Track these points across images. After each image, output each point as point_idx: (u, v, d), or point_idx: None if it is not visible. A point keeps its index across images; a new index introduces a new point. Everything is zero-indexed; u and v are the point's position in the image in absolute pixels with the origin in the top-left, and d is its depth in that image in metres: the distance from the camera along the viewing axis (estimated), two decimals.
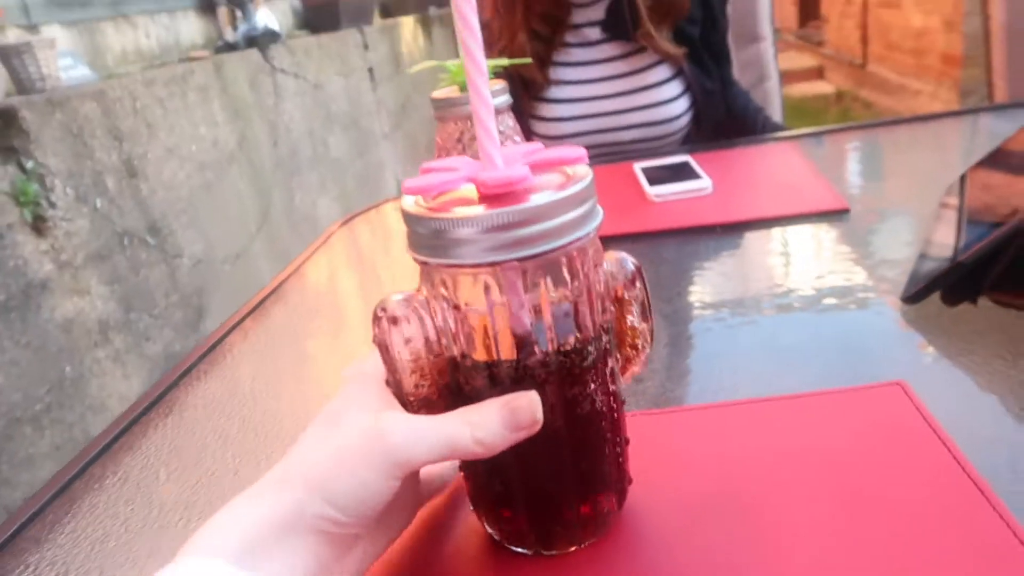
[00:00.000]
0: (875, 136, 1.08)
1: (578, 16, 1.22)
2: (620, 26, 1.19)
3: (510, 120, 0.74)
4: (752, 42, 1.53)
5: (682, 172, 0.90)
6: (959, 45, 3.85)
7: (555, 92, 1.22)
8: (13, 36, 2.15)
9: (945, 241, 0.58)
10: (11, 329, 1.65)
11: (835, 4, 5.89)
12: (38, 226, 1.77)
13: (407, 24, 4.90)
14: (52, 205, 1.82)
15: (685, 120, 1.22)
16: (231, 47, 3.04)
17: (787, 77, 5.59)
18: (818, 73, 6.33)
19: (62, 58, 2.25)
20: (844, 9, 5.66)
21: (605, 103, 1.21)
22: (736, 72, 1.53)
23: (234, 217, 2.63)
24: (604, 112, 1.21)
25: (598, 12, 1.21)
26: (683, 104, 1.21)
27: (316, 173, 3.33)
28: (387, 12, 5.11)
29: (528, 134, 1.24)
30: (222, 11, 3.19)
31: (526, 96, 1.23)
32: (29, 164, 1.77)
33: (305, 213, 3.20)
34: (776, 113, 1.55)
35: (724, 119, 1.29)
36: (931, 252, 0.59)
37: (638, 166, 0.96)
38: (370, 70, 4.11)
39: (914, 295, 0.54)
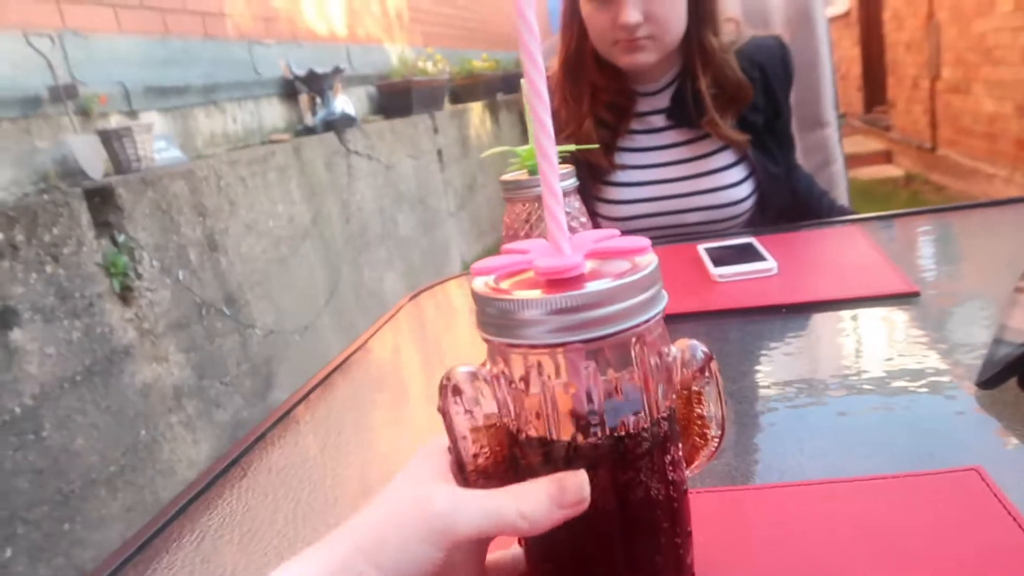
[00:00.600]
0: (945, 220, 1.07)
1: (643, 104, 1.26)
2: (685, 114, 1.22)
3: (576, 202, 0.76)
4: (817, 127, 1.54)
5: (746, 253, 0.91)
6: None
7: (620, 176, 1.25)
8: (115, 121, 2.33)
9: (1021, 326, 0.57)
10: (94, 393, 1.73)
11: (902, 89, 5.88)
12: (125, 295, 1.87)
13: (475, 109, 5.09)
14: (139, 276, 1.92)
15: (749, 204, 1.23)
16: (310, 131, 3.21)
17: (854, 161, 5.56)
18: (886, 157, 6.27)
19: (157, 141, 2.42)
20: (911, 94, 5.64)
21: (669, 187, 1.24)
22: (800, 156, 1.55)
23: (305, 290, 2.72)
24: (669, 195, 1.24)
25: (663, 100, 1.25)
26: (747, 188, 1.22)
27: (384, 249, 3.44)
28: (457, 98, 5.33)
29: (594, 216, 1.27)
30: (303, 98, 3.38)
31: (592, 179, 1.26)
32: (121, 238, 1.88)
33: (372, 288, 3.28)
34: (842, 196, 1.55)
35: (789, 203, 1.30)
36: (1007, 337, 0.57)
37: (702, 247, 0.97)
38: (439, 152, 4.26)
39: (989, 380, 0.53)
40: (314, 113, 3.32)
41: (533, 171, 0.77)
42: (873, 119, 6.65)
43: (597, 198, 1.27)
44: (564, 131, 1.27)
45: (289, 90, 3.34)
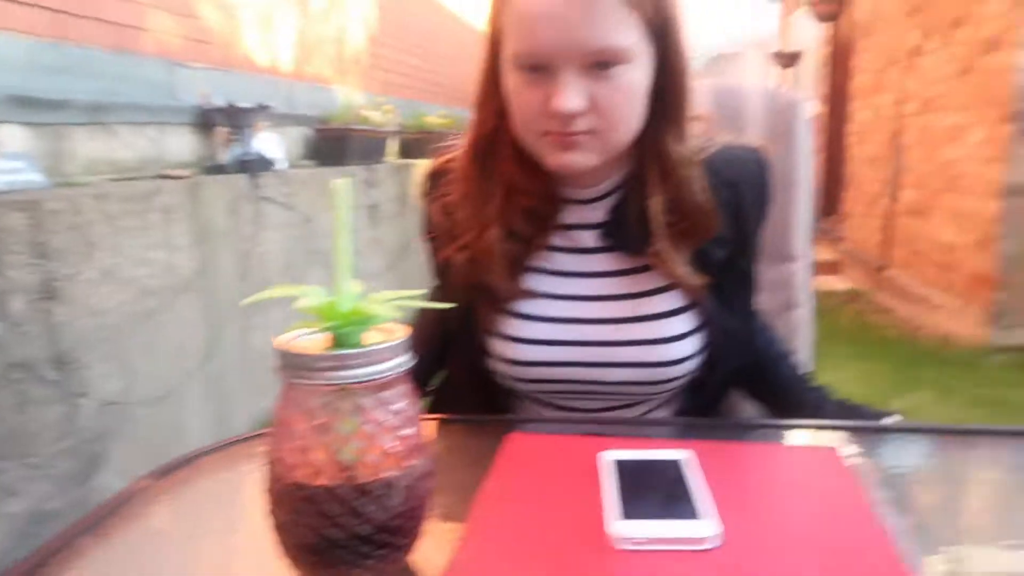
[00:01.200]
0: (956, 445, 0.76)
1: (571, 215, 0.93)
2: (625, 235, 0.89)
3: (403, 401, 0.53)
4: (782, 261, 1.24)
5: (675, 496, 0.57)
6: (991, 266, 3.63)
7: (527, 307, 0.90)
8: None
9: None
10: None
11: (859, 203, 5.80)
12: None
13: (420, 167, 4.79)
14: None
15: (692, 364, 0.90)
16: (220, 169, 2.84)
17: None
18: (834, 268, 6.16)
19: (10, 160, 2.02)
20: (867, 210, 5.55)
21: (591, 329, 0.89)
22: (759, 295, 1.25)
23: (170, 353, 2.31)
24: (588, 340, 0.89)
25: (598, 213, 0.91)
26: (693, 345, 0.89)
27: (282, 310, 3.04)
28: (406, 152, 5.02)
29: (485, 356, 0.93)
30: (220, 131, 3.02)
31: (488, 307, 0.91)
32: None
33: (263, 352, 2.87)
34: (805, 350, 1.24)
35: (745, 365, 0.98)
36: None
37: (608, 458, 0.63)
38: (371, 207, 3.92)
39: None
40: (228, 150, 2.95)
41: (341, 340, 0.52)
42: (825, 228, 6.57)
43: (493, 333, 0.91)
44: (460, 238, 0.92)
45: (205, 121, 2.97)
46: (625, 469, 0.61)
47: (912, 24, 4.75)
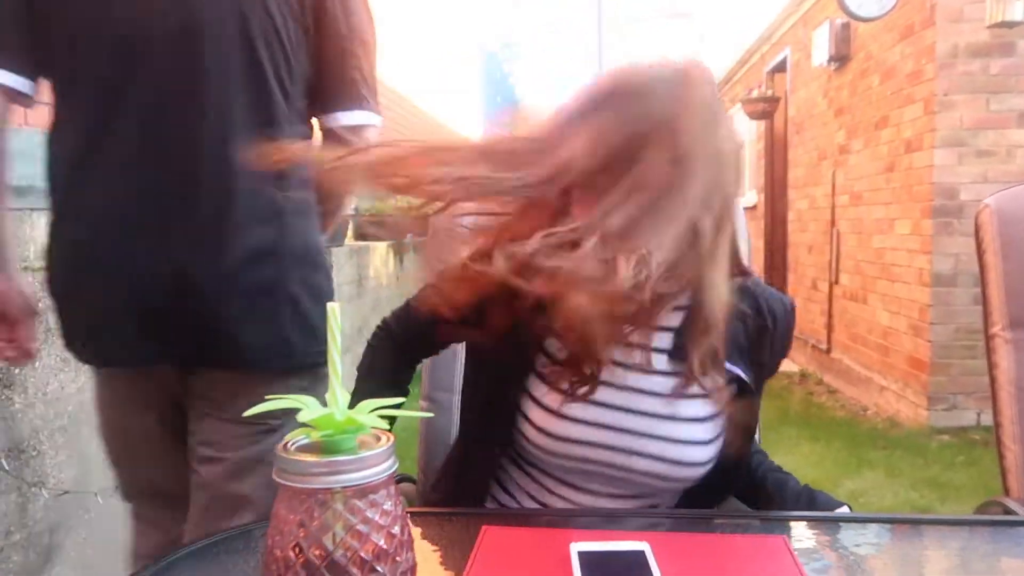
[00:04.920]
0: (903, 534, 0.83)
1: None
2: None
3: (389, 502, 0.58)
4: None
5: None
6: (925, 351, 3.81)
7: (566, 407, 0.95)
8: None
9: None
10: None
11: (801, 287, 6.05)
12: None
13: (378, 249, 4.87)
14: None
15: (702, 471, 0.95)
16: None
17: None
18: None
19: None
20: (810, 294, 5.79)
21: (627, 418, 0.93)
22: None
23: None
24: (622, 428, 0.93)
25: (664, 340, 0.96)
26: (714, 450, 0.94)
27: None
28: (362, 235, 5.10)
29: (512, 416, 0.95)
30: None
31: (519, 388, 0.95)
32: None
33: None
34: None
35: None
36: None
37: (575, 548, 0.69)
38: None
39: None
40: None
41: (333, 447, 0.56)
42: None
43: (538, 403, 0.94)
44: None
45: None
46: (591, 560, 0.66)
47: (839, 124, 5.10)
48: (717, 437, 0.94)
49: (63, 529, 2.01)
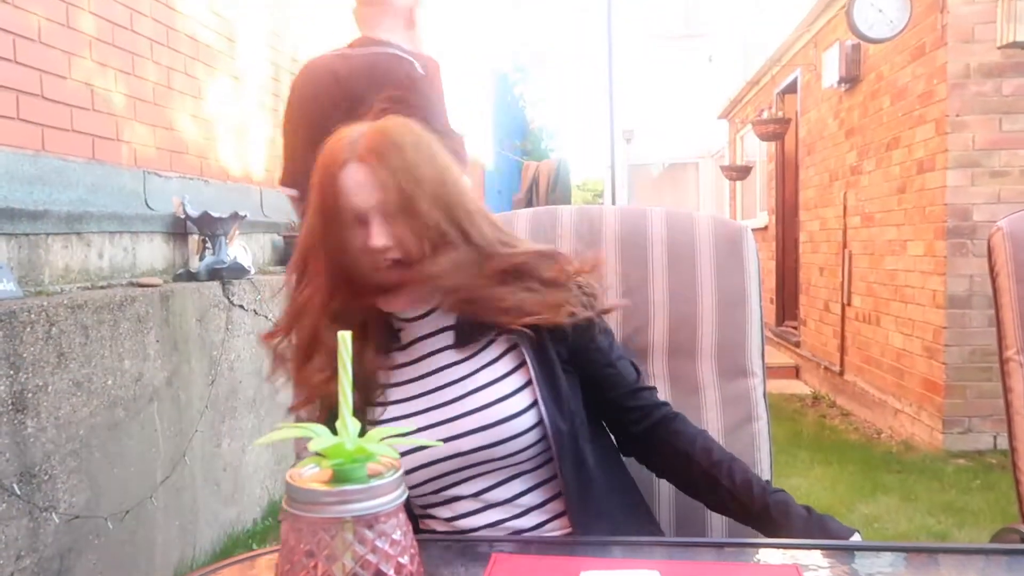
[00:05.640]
0: (918, 562, 0.81)
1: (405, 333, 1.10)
2: (457, 334, 1.06)
3: (399, 531, 0.58)
4: (739, 377, 1.33)
5: None
6: (939, 373, 3.77)
7: (388, 414, 1.05)
8: None
9: None
10: None
11: (813, 309, 6.01)
12: None
13: None
14: None
15: (530, 420, 1.01)
16: (192, 276, 2.89)
17: None
18: (794, 372, 6.31)
19: None
20: (822, 315, 5.76)
21: (438, 412, 1.03)
22: (719, 409, 1.32)
23: (137, 464, 2.29)
24: (437, 422, 1.03)
25: (424, 327, 1.08)
26: (524, 400, 1.02)
27: (254, 416, 3.03)
28: None
29: None
30: (193, 240, 3.08)
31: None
32: None
33: (230, 461, 2.85)
34: (763, 461, 1.30)
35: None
36: None
37: None
38: None
39: None
40: (201, 258, 3.01)
41: (343, 476, 0.57)
42: (783, 333, 6.76)
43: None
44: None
45: (179, 229, 3.04)
46: None
47: (850, 145, 5.09)
48: (521, 388, 1.01)
49: (73, 554, 2.01)
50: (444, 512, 1.06)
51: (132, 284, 2.62)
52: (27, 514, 1.86)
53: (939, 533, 2.89)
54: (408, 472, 1.00)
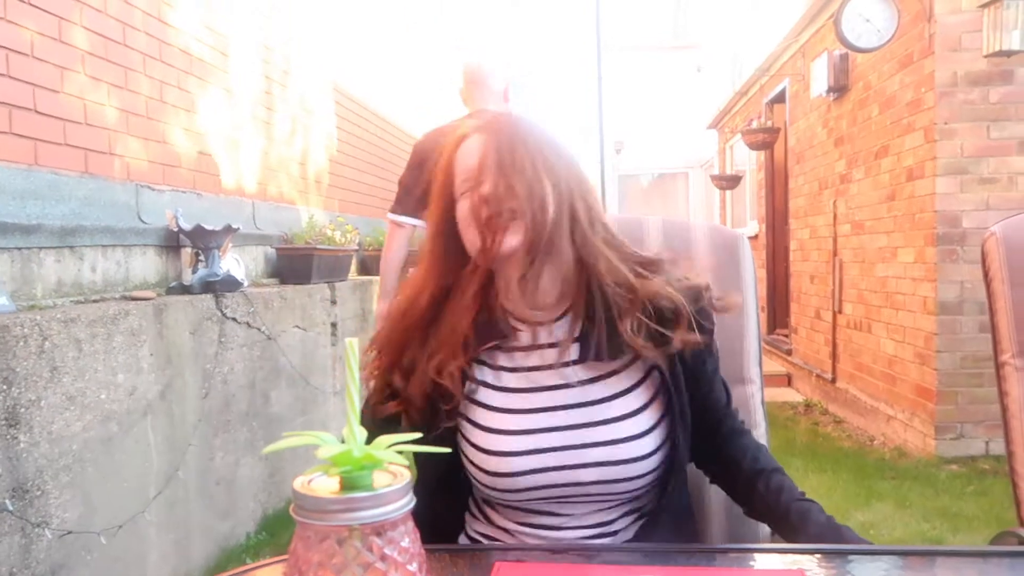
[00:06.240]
0: (917, 565, 0.82)
1: (530, 336, 1.04)
2: (589, 348, 1.00)
3: (407, 539, 0.57)
4: (737, 384, 1.33)
5: None
6: (931, 379, 3.79)
7: (501, 422, 0.99)
8: None
9: None
10: None
11: (804, 317, 6.03)
12: None
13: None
14: None
15: (656, 460, 0.98)
16: (185, 289, 2.87)
17: None
18: (786, 380, 6.33)
19: None
20: (813, 323, 5.78)
21: (559, 436, 0.98)
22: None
23: (130, 478, 2.27)
24: (558, 447, 0.97)
25: (556, 333, 1.03)
26: (654, 440, 0.98)
27: (247, 430, 3.01)
28: (365, 269, 5.12)
29: (457, 468, 1.01)
30: (186, 253, 3.07)
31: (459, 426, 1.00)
32: None
33: (223, 475, 2.83)
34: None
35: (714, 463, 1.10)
36: None
37: None
38: (333, 325, 3.96)
39: None
40: (194, 271, 3.00)
41: (351, 483, 0.56)
42: (775, 341, 6.78)
43: (473, 447, 0.99)
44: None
45: (172, 242, 3.03)
46: None
47: (839, 153, 5.13)
48: (657, 423, 0.98)
49: (65, 570, 1.99)
50: (531, 519, 1.01)
51: (125, 297, 2.61)
52: (19, 530, 1.84)
53: (935, 539, 2.90)
54: (515, 491, 0.97)
